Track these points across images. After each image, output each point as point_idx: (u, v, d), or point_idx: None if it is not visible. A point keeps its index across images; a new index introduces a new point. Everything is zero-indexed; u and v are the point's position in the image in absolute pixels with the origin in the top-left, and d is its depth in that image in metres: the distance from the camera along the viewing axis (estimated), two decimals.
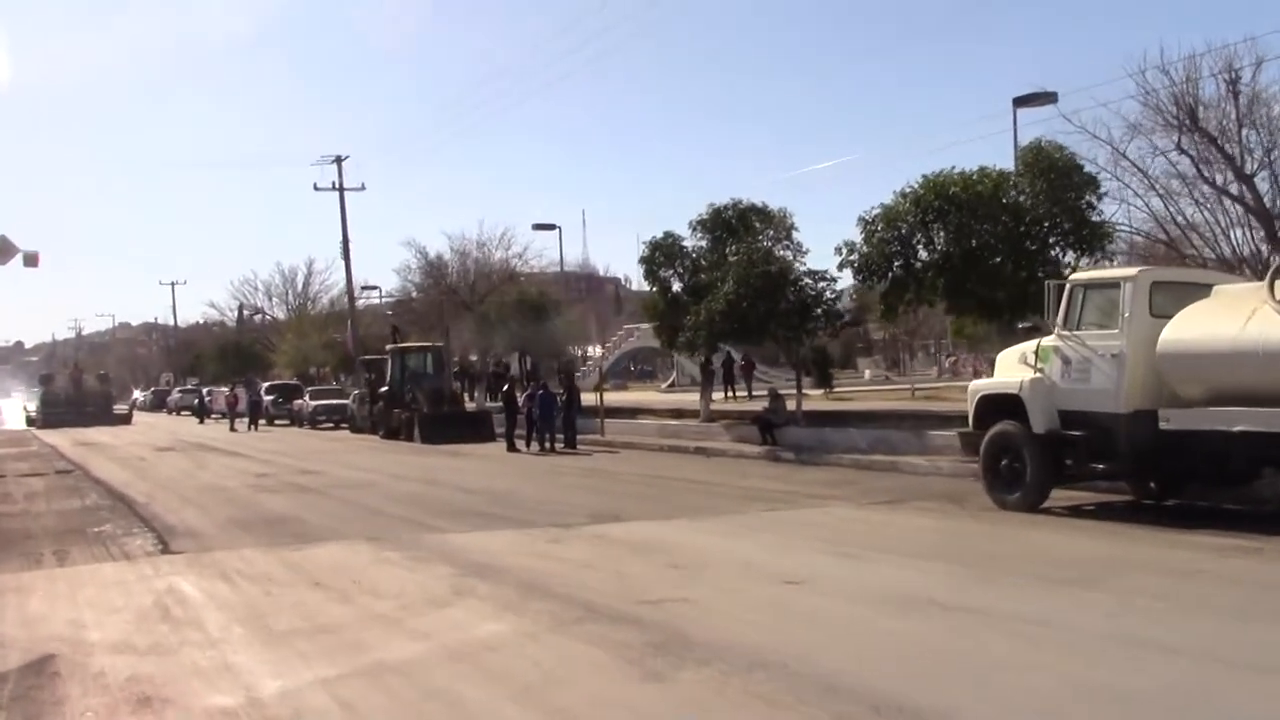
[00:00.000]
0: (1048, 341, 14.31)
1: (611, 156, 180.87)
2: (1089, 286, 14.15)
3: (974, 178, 19.69)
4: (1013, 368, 14.97)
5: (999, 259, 19.24)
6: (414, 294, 56.87)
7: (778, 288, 26.10)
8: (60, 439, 41.83)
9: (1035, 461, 14.06)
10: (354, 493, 19.01)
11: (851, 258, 21.29)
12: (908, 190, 20.31)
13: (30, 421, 57.94)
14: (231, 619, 8.86)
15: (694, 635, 7.72)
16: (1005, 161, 21.26)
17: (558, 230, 41.73)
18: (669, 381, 63.25)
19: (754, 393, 41.30)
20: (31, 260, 34.18)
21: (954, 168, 20.09)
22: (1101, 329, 13.70)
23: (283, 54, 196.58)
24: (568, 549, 11.99)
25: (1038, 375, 14.27)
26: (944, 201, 19.41)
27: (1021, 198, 19.82)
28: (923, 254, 20.58)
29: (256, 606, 9.34)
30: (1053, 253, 19.98)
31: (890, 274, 20.51)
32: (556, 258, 51.14)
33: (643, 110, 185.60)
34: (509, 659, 7.30)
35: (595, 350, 61.88)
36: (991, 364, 15.96)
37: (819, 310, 26.12)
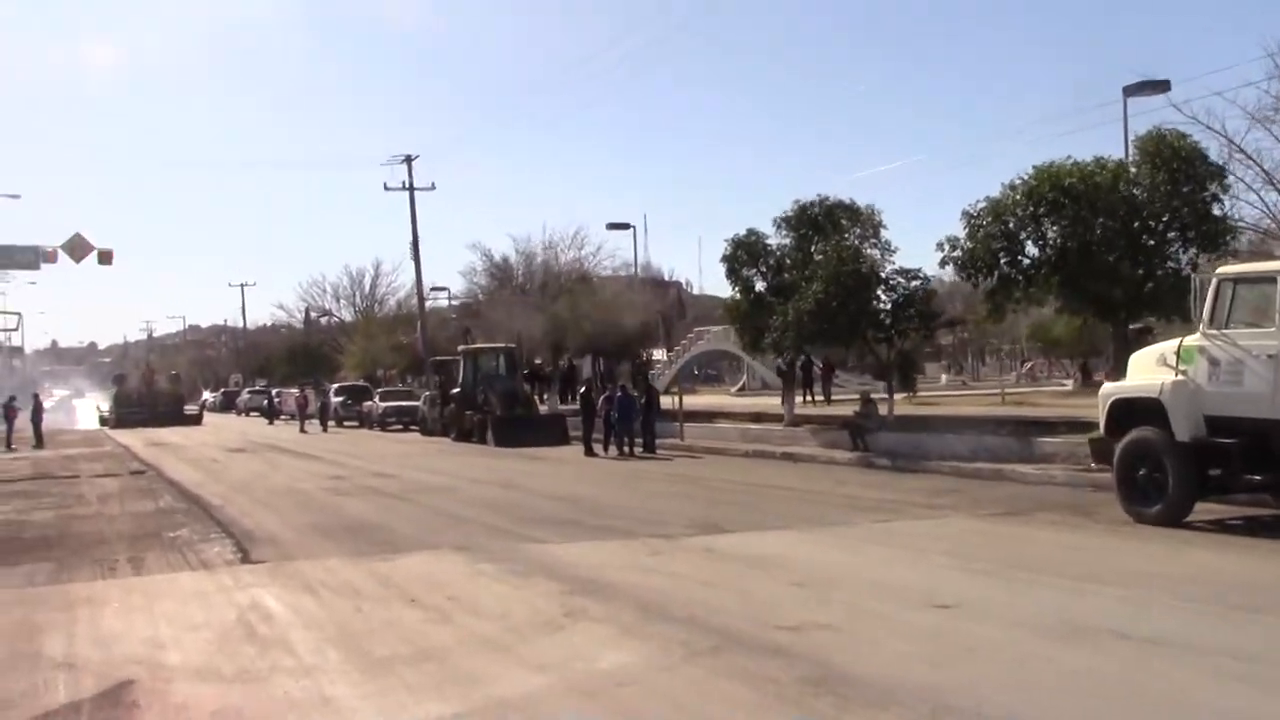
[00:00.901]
0: (1191, 341, 13.13)
1: (671, 159, 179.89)
2: (1239, 281, 12.93)
3: (1090, 168, 18.48)
4: (1150, 370, 13.78)
5: (1116, 255, 17.99)
6: (480, 296, 56.45)
7: (868, 287, 25.03)
8: (133, 439, 41.70)
9: (1178, 472, 12.87)
10: (433, 497, 18.23)
11: (954, 254, 20.14)
12: (1017, 182, 19.15)
13: (103, 421, 58.22)
14: (323, 640, 8.02)
15: (849, 669, 6.74)
16: (1099, 153, 19.95)
17: (631, 230, 40.89)
18: (739, 385, 62.15)
19: (832, 397, 40.13)
20: (105, 258, 34.20)
21: (1068, 157, 18.92)
22: (1254, 327, 12.50)
23: (347, 57, 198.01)
24: (676, 563, 11.05)
25: (1180, 378, 13.09)
26: (1059, 193, 18.21)
27: (1137, 190, 18.54)
28: (1031, 249, 19.38)
29: (348, 626, 8.49)
30: (1171, 249, 18.68)
31: (997, 271, 19.29)
32: (624, 259, 50.04)
33: (703, 112, 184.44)
34: (644, 696, 6.38)
35: (660, 354, 60.96)
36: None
37: (911, 310, 24.97)
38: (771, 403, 41.68)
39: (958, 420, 25.48)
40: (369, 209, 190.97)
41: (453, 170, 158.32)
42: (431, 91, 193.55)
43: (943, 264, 20.32)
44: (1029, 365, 66.46)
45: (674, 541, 12.47)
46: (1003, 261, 19.04)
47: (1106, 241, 17.95)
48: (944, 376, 62.57)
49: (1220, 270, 13.39)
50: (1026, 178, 19.09)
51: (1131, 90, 22.79)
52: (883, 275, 25.07)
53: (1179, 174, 18.14)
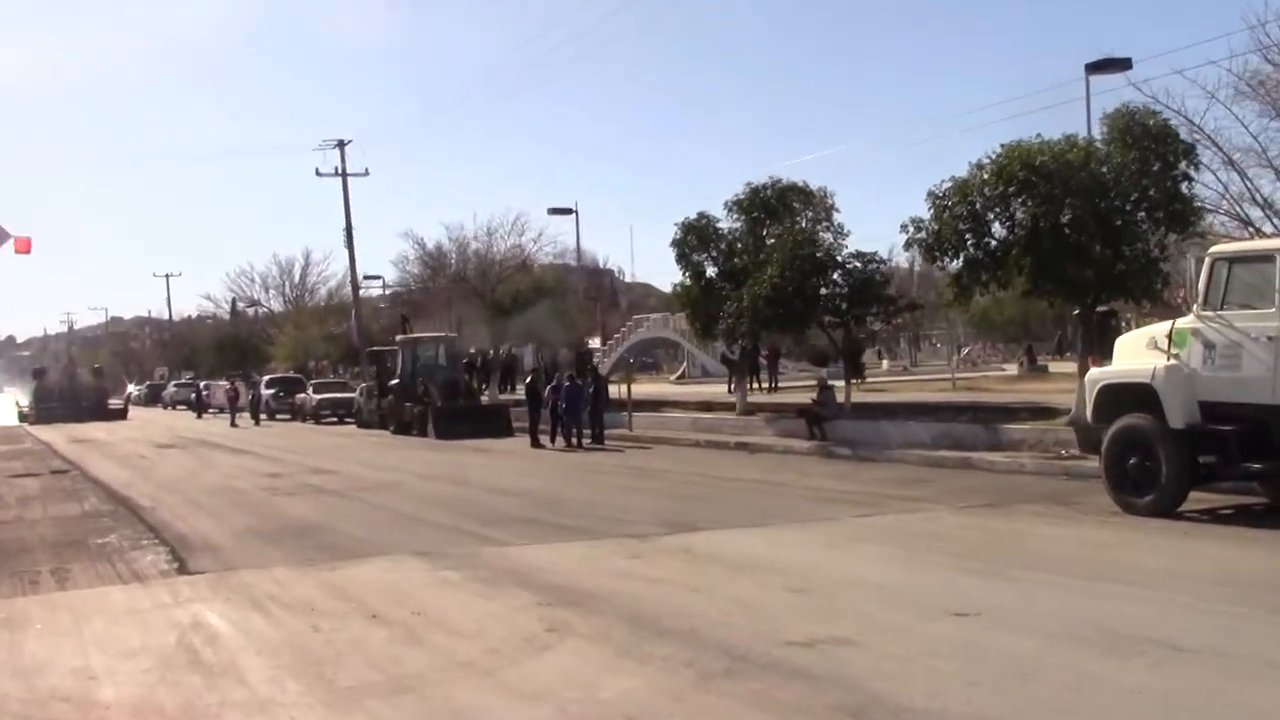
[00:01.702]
0: (1184, 323, 12.56)
1: (601, 147, 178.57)
2: (1235, 260, 12.36)
3: (1061, 146, 17.91)
4: (1139, 354, 13.20)
5: (1087, 236, 17.45)
6: (413, 285, 55.18)
7: (823, 271, 24.39)
8: (54, 435, 39.97)
9: (1172, 460, 12.30)
10: (381, 495, 17.24)
11: (919, 235, 19.49)
12: (985, 161, 18.54)
13: (23, 417, 55.95)
14: (278, 667, 7.09)
15: (887, 695, 5.97)
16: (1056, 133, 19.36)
17: (574, 215, 39.88)
18: (679, 373, 61.52)
19: (779, 384, 39.56)
20: (22, 247, 32.35)
21: (1037, 136, 18.33)
22: (1252, 309, 11.94)
23: (277, 46, 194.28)
24: (656, 566, 10.23)
25: (1173, 362, 12.51)
26: (1029, 172, 17.61)
27: (1105, 169, 18.02)
28: (999, 230, 18.78)
29: (307, 649, 7.56)
30: (1140, 229, 18.19)
31: (963, 253, 18.69)
32: (565, 244, 49.04)
33: (635, 100, 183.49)
34: None
35: (595, 342, 60.04)
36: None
37: (869, 294, 24.35)
38: (716, 390, 41.05)
39: (915, 407, 24.96)
40: (299, 197, 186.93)
41: (384, 158, 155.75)
42: (363, 79, 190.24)
43: (907, 246, 19.74)
44: (966, 350, 66.60)
45: (647, 542, 11.65)
46: (969, 243, 18.38)
47: (1077, 222, 17.38)
48: (885, 362, 62.43)
49: (1214, 249, 12.85)
50: (994, 157, 18.47)
51: (1094, 68, 22.31)
52: (839, 259, 24.42)
53: (1149, 152, 17.63)
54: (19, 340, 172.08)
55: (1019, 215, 17.60)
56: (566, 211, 39.60)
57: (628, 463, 22.29)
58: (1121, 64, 22.07)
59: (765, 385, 38.45)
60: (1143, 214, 18.24)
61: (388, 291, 62.97)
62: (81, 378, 60.77)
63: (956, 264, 19.33)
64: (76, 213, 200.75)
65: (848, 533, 12.16)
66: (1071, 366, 43.22)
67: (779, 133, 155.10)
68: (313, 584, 9.92)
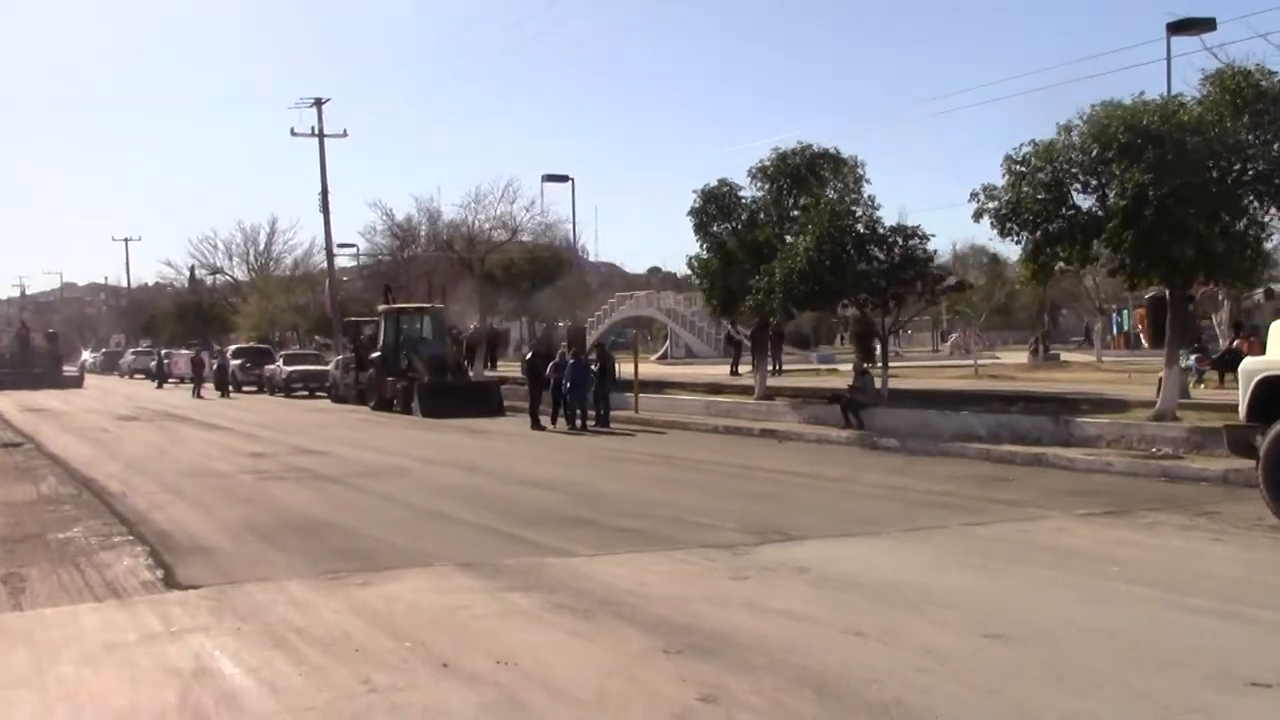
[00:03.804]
0: None
1: (562, 125, 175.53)
2: None
3: (1172, 106, 15.86)
4: None
5: (1192, 209, 15.44)
6: (382, 256, 52.67)
7: (862, 245, 22.27)
8: (5, 403, 37.31)
9: None
10: (387, 483, 14.99)
11: (990, 205, 17.39)
12: (1075, 123, 16.45)
13: None
14: None
15: None
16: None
17: (570, 183, 37.43)
18: (660, 353, 59.43)
19: (781, 367, 37.48)
20: None
21: (1140, 94, 16.26)
22: None
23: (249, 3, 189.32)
24: (777, 592, 8.09)
25: None
26: (1133, 135, 15.55)
27: (1211, 133, 15.99)
28: (1083, 200, 16.75)
29: None
30: (1246, 202, 16.20)
31: (1049, 225, 16.62)
32: (555, 216, 46.39)
33: (611, 73, 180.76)
34: None
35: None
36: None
37: (910, 272, 22.25)
38: (712, 371, 39.01)
39: (954, 395, 23.00)
40: (268, 161, 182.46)
41: (356, 123, 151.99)
42: (334, 41, 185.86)
43: (977, 216, 17.53)
44: (954, 336, 64.88)
45: (742, 555, 9.51)
46: (1061, 212, 16.30)
47: (1183, 192, 15.34)
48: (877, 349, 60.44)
49: None
50: (1085, 118, 16.39)
51: (1175, 28, 20.32)
52: (880, 233, 22.30)
53: (1263, 116, 15.61)
54: None
55: (1124, 183, 15.44)
56: (563, 179, 37.26)
57: (648, 449, 20.13)
58: (1205, 24, 20.09)
59: (771, 368, 36.26)
60: (1248, 184, 16.19)
61: (359, 261, 60.32)
62: (34, 343, 57.77)
63: (1033, 238, 17.17)
64: (29, 173, 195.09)
65: (974, 547, 10.06)
66: (1086, 357, 41.74)
67: (765, 107, 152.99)
68: (344, 607, 7.69)
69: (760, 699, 5.58)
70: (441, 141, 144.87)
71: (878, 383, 22.41)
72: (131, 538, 10.77)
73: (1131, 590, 8.10)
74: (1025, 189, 16.94)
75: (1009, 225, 17.23)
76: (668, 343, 62.25)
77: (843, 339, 79.42)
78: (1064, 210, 16.96)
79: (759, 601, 7.74)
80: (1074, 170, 16.65)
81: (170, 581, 8.71)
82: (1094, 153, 16.03)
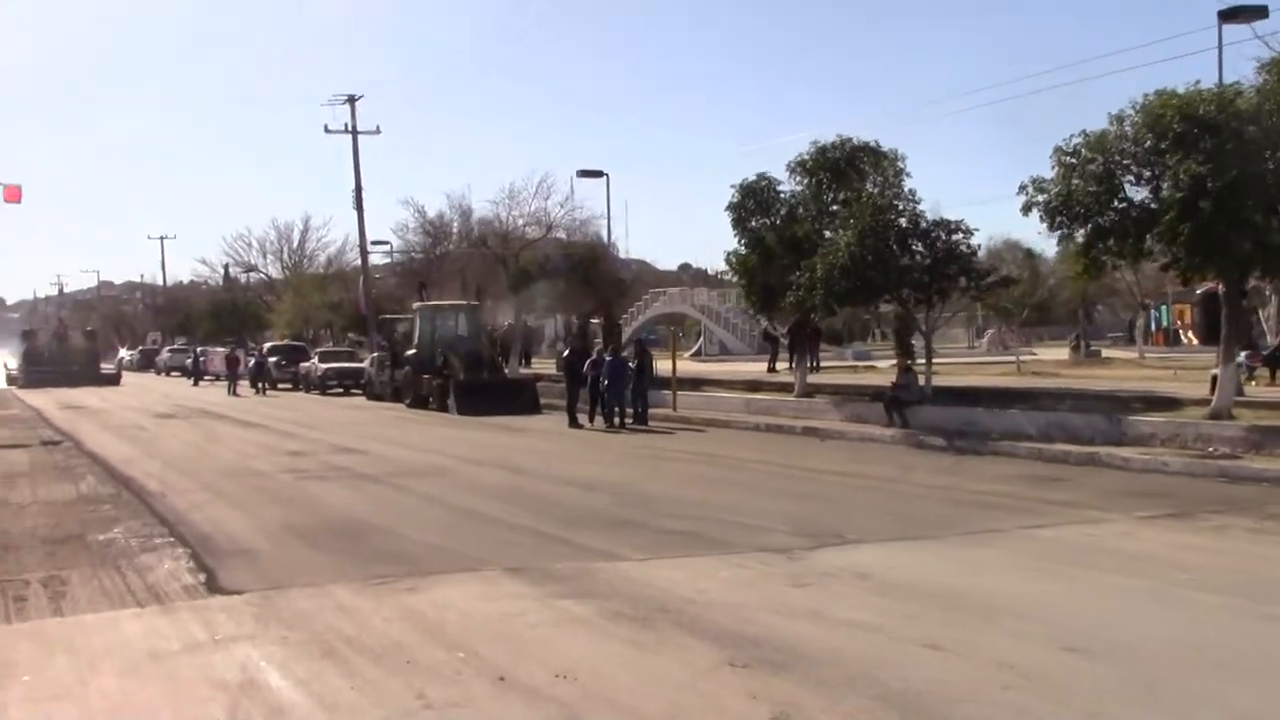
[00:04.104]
0: None
1: (593, 120, 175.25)
2: None
3: (1229, 94, 15.40)
4: None
5: (1251, 200, 14.98)
6: (415, 253, 52.59)
7: (905, 240, 21.87)
8: (44, 400, 37.44)
9: None
10: (427, 483, 14.76)
11: (1039, 198, 16.97)
12: (1127, 112, 16.01)
13: (11, 381, 53.34)
14: None
15: None
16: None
17: (604, 178, 37.12)
18: (694, 350, 59.04)
19: (819, 364, 37.03)
20: (12, 195, 29.98)
21: (1196, 82, 15.80)
22: None
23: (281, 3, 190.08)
24: (839, 600, 7.77)
25: None
26: (1189, 124, 15.10)
27: (1270, 124, 15.51)
28: (1136, 192, 16.30)
29: None
30: None
31: (1100, 219, 16.19)
32: (589, 212, 46.01)
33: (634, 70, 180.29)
34: None
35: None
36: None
37: (954, 267, 21.83)
38: (748, 368, 38.63)
39: (1000, 393, 22.51)
40: (302, 160, 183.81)
41: (390, 121, 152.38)
42: (368, 39, 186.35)
43: (1026, 210, 17.11)
44: (990, 333, 64.13)
45: (798, 559, 9.20)
46: (1113, 205, 15.87)
47: (1242, 183, 14.88)
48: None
49: None
50: (1137, 108, 15.95)
51: (1226, 16, 19.82)
52: (922, 227, 21.89)
53: None
54: (9, 303, 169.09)
55: (1180, 174, 15.00)
56: (598, 174, 36.98)
57: (689, 448, 19.83)
58: (1257, 11, 19.57)
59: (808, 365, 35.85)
60: None
61: (392, 259, 60.21)
62: (73, 340, 58.06)
63: (1085, 231, 16.74)
64: (67, 173, 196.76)
65: (1037, 551, 9.71)
66: (1128, 353, 41.05)
67: (785, 104, 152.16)
68: (393, 614, 7.44)
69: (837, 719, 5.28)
70: (472, 139, 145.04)
71: (921, 380, 22.00)
72: (172, 539, 10.57)
73: (1209, 599, 7.74)
74: (1076, 181, 16.51)
75: (1059, 219, 16.80)
76: (701, 339, 61.84)
77: (875, 335, 78.96)
78: (1116, 203, 16.52)
79: (824, 610, 7.42)
80: (1126, 162, 16.22)
81: (213, 586, 8.49)
82: (1148, 143, 15.61)
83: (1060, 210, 16.65)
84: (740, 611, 7.38)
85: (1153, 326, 55.72)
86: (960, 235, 22.00)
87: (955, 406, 21.03)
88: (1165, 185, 15.72)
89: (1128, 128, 16.00)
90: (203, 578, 8.78)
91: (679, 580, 8.39)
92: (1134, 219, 16.10)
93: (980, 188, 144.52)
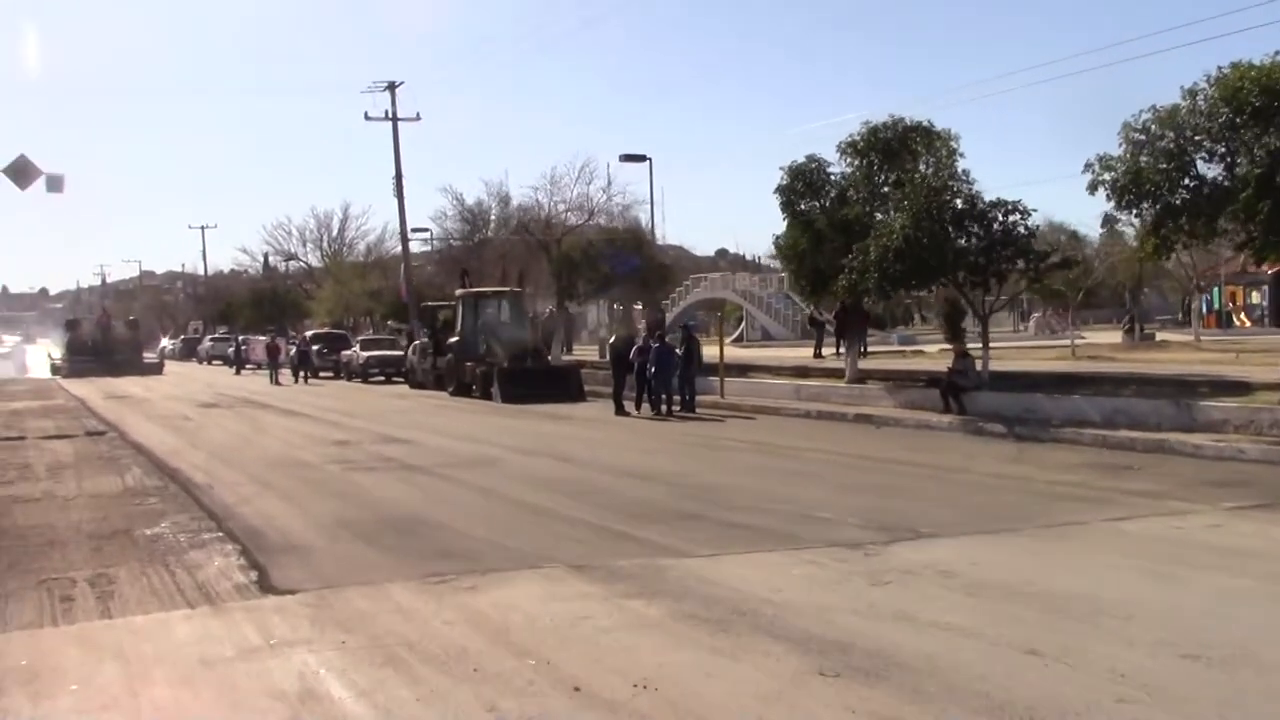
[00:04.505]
0: None
1: (629, 107, 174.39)
2: None
3: None
4: None
5: None
6: (453, 241, 52.41)
7: (960, 221, 21.27)
8: (88, 390, 37.48)
9: None
10: (477, 474, 14.40)
11: (1105, 176, 16.37)
12: (1201, 86, 15.38)
13: (55, 370, 53.61)
14: None
15: None
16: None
17: (647, 163, 36.64)
18: (735, 335, 58.51)
19: (867, 349, 36.44)
20: (55, 184, 29.77)
21: (1276, 53, 15.12)
22: None
23: None
24: (923, 599, 7.32)
25: None
26: (1271, 98, 14.46)
27: None
28: (1208, 169, 15.66)
29: None
30: None
31: (1171, 197, 15.57)
32: (632, 197, 45.48)
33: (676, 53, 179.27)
34: None
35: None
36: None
37: (1010, 249, 21.21)
38: (792, 354, 38.10)
39: (1057, 378, 21.91)
40: (341, 148, 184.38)
41: (426, 111, 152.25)
42: (410, 26, 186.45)
43: (1092, 189, 16.51)
44: (1036, 316, 63.17)
45: (873, 555, 8.75)
46: (1184, 183, 15.25)
47: None
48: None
49: None
50: (1211, 81, 15.31)
51: None
52: (979, 209, 21.28)
53: None
54: (52, 293, 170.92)
55: (1257, 150, 14.37)
56: (640, 159, 36.50)
57: (741, 436, 19.39)
58: None
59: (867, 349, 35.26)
60: None
61: (431, 246, 59.99)
62: (116, 330, 58.26)
63: (1154, 210, 16.12)
64: (110, 164, 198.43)
65: (1126, 547, 9.21)
66: (1183, 336, 40.18)
67: (824, 87, 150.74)
68: (455, 616, 7.06)
69: None
70: (509, 126, 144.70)
71: (977, 365, 21.43)
72: (221, 534, 10.25)
73: None
74: (1145, 159, 15.90)
75: (1127, 198, 16.19)
76: (743, 325, 61.35)
77: (916, 320, 78.08)
78: (1187, 181, 15.90)
79: (911, 612, 6.97)
80: (1199, 138, 15.59)
81: (265, 585, 8.14)
82: (1223, 118, 14.97)
83: (1129, 189, 16.04)
84: (822, 613, 6.94)
85: (1203, 309, 54.72)
86: (1018, 216, 21.37)
87: (1013, 392, 20.44)
88: (1241, 161, 15.10)
89: (1201, 102, 15.38)
90: (254, 576, 8.44)
91: (752, 578, 7.96)
92: (1206, 197, 15.46)
93: (1022, 170, 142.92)
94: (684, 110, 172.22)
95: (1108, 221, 61.58)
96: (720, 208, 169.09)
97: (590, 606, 7.23)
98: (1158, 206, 15.95)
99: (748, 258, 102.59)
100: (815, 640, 6.33)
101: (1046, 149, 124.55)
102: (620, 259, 37.08)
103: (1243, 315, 60.42)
